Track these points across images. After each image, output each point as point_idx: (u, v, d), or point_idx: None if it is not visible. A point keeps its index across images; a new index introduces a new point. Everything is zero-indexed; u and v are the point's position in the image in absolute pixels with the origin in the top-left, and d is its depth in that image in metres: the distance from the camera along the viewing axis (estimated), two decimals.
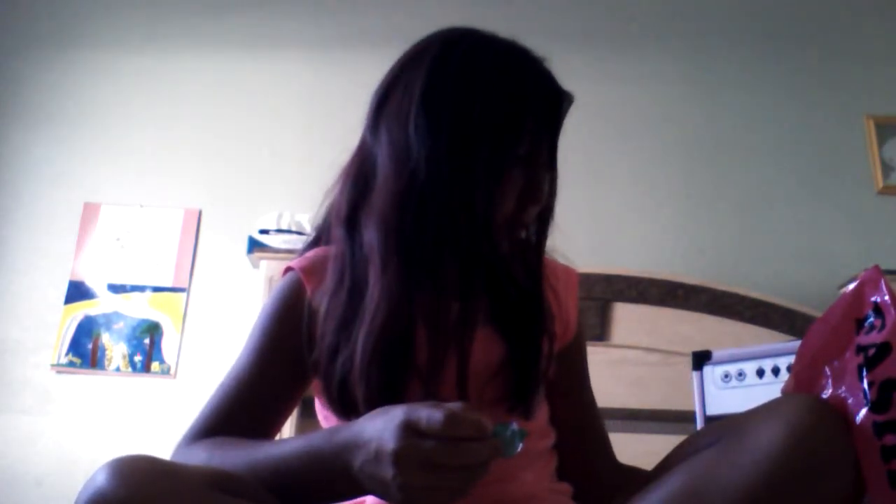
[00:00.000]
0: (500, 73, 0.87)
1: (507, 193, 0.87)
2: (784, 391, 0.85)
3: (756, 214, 2.90)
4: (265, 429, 0.91)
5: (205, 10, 3.11)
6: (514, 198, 0.87)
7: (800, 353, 0.82)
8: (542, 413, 0.98)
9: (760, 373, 1.82)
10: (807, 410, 0.68)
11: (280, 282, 0.96)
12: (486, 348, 0.91)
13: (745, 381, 1.83)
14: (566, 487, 0.98)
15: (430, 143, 0.84)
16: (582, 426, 1.01)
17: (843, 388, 0.74)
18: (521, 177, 0.88)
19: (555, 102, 0.91)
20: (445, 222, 0.85)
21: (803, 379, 0.81)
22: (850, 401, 0.73)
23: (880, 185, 2.94)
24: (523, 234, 0.93)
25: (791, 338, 2.36)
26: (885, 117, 3.00)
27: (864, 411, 0.70)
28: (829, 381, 0.77)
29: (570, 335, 1.01)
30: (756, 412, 0.72)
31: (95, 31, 3.08)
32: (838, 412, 0.70)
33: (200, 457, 0.82)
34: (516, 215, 0.88)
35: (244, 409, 0.90)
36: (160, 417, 2.63)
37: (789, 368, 1.81)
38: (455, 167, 0.84)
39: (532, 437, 0.93)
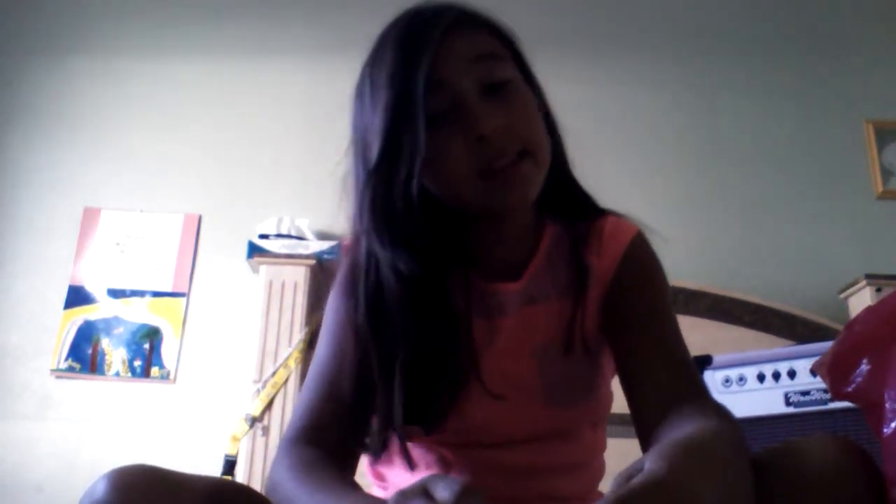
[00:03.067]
0: (374, 61, 0.87)
1: (449, 147, 0.82)
2: (815, 367, 0.81)
3: (756, 219, 2.91)
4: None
5: (205, 16, 3.11)
6: (460, 146, 0.82)
7: (843, 336, 0.77)
8: (591, 429, 0.94)
9: (761, 377, 1.82)
10: (834, 453, 0.66)
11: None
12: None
13: (746, 386, 1.83)
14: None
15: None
16: (631, 382, 0.88)
17: (884, 387, 0.70)
18: (456, 126, 0.82)
19: (416, 39, 0.83)
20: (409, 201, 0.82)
21: (841, 363, 0.76)
22: (887, 405, 0.69)
23: (880, 189, 2.94)
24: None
25: (791, 342, 2.36)
26: (884, 122, 3.01)
27: None
28: (868, 370, 0.73)
29: (605, 287, 0.92)
30: (781, 451, 0.69)
31: (96, 36, 3.09)
32: (865, 455, 0.67)
33: (282, 475, 0.82)
34: (471, 159, 0.82)
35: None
36: (160, 422, 2.62)
37: (790, 373, 1.82)
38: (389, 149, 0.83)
39: (578, 450, 0.91)
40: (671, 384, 0.83)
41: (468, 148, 0.81)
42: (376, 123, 0.83)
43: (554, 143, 0.93)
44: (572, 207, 0.95)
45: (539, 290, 0.91)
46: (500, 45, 0.89)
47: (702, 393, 0.84)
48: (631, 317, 0.90)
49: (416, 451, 0.89)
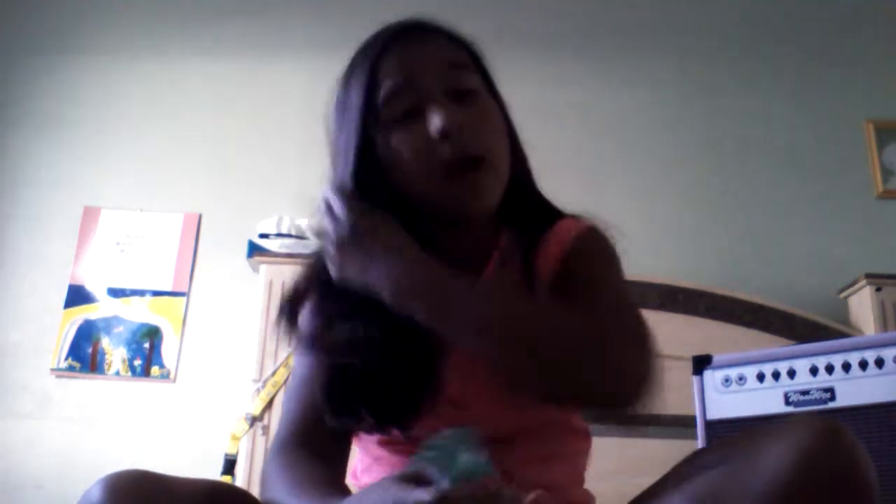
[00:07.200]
0: (349, 69, 0.92)
1: (413, 143, 0.86)
2: None
3: (756, 219, 2.91)
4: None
5: (205, 15, 3.11)
6: (423, 142, 0.85)
7: None
8: (563, 422, 0.93)
9: (761, 377, 1.82)
10: (818, 433, 0.65)
11: None
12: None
13: (746, 386, 1.83)
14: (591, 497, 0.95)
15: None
16: None
17: None
18: (420, 124, 0.86)
19: (385, 48, 0.89)
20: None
21: None
22: None
23: (880, 189, 2.94)
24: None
25: (791, 342, 2.36)
26: (885, 122, 3.01)
27: None
28: None
29: (546, 281, 0.92)
30: (765, 433, 0.69)
31: (96, 36, 3.09)
32: (851, 435, 0.67)
33: (273, 478, 0.83)
34: (432, 155, 0.85)
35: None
36: (160, 422, 2.63)
37: (790, 373, 1.82)
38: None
39: (550, 443, 0.90)
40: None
41: (431, 144, 0.85)
42: (338, 127, 0.91)
43: (517, 157, 0.95)
44: (531, 216, 0.97)
45: None
46: (468, 59, 0.92)
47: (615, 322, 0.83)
48: (571, 294, 0.89)
49: (394, 458, 0.90)
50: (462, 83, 0.89)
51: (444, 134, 0.84)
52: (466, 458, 0.58)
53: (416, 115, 0.86)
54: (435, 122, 0.84)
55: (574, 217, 0.98)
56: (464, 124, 0.85)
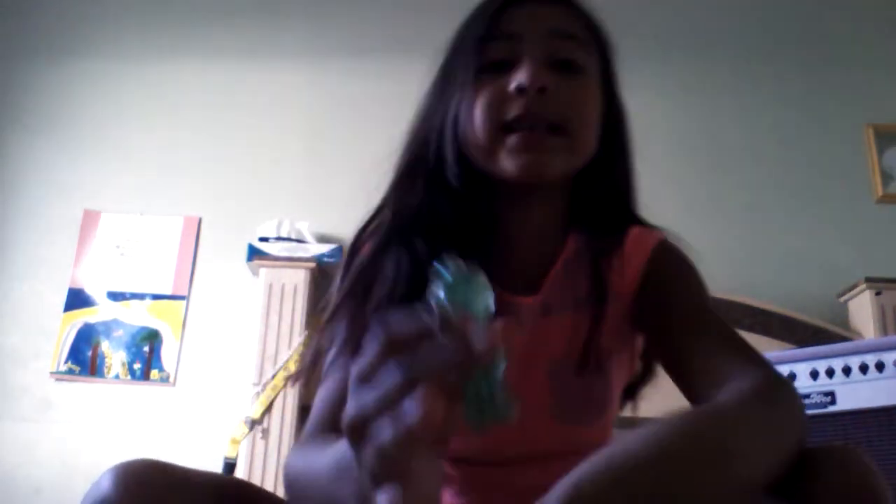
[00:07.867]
0: (467, 17, 0.89)
1: (489, 90, 0.81)
2: None
3: (756, 222, 2.90)
4: None
5: (205, 18, 3.11)
6: (499, 91, 0.80)
7: None
8: (601, 419, 0.88)
9: None
10: (840, 465, 0.63)
11: None
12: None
13: None
14: None
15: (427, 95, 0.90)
16: (683, 380, 0.82)
17: None
18: (497, 81, 0.81)
19: (504, 4, 0.84)
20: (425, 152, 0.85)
21: None
22: None
23: (880, 193, 2.94)
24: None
25: (790, 346, 2.36)
26: (885, 126, 3.01)
27: None
28: None
29: (628, 300, 0.88)
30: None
31: (95, 38, 3.09)
32: (872, 463, 0.64)
33: (296, 463, 0.77)
34: (501, 107, 0.80)
35: None
36: (159, 425, 2.62)
37: (790, 376, 1.81)
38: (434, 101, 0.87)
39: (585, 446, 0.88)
40: (715, 370, 0.78)
41: (505, 95, 0.79)
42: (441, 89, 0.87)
43: (619, 160, 0.95)
44: (607, 223, 0.93)
45: (556, 301, 0.88)
46: (588, 37, 0.87)
47: (747, 362, 0.78)
48: (669, 321, 0.86)
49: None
50: (570, 54, 0.83)
51: (522, 88, 0.78)
52: (478, 296, 0.53)
53: (506, 69, 0.81)
54: (519, 75, 0.79)
55: (645, 224, 0.95)
56: (550, 88, 0.78)
